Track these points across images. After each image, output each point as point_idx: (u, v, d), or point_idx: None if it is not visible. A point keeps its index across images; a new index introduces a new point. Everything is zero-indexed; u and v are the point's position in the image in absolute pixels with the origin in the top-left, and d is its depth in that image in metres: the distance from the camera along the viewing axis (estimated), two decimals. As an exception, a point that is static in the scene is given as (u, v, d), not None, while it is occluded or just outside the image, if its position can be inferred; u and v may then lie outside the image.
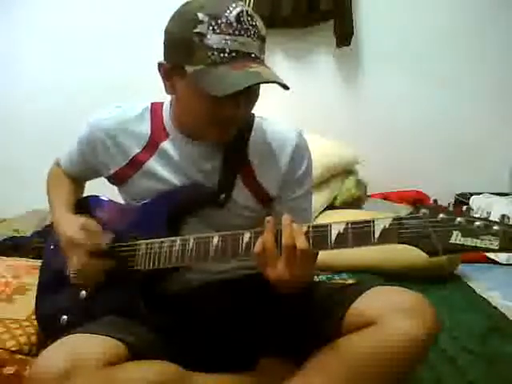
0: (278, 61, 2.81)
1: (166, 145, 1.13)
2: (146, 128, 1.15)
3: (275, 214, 1.15)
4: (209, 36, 0.94)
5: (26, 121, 2.82)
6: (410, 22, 2.83)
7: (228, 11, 0.95)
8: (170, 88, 1.06)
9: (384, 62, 2.86)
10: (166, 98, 1.14)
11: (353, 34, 2.78)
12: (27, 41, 2.84)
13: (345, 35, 2.78)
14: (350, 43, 2.80)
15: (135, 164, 1.15)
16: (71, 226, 1.14)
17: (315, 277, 1.95)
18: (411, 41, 2.84)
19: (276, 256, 0.94)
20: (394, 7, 2.83)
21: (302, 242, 0.92)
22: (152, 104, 1.18)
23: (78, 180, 1.32)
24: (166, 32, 1.02)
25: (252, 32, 0.96)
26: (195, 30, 0.95)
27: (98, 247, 1.11)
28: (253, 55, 0.97)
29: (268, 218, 0.97)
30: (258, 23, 0.98)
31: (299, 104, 2.73)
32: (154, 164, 1.14)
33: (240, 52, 0.96)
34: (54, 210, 1.25)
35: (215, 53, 0.95)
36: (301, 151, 1.15)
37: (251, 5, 2.62)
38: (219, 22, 0.94)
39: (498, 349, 1.52)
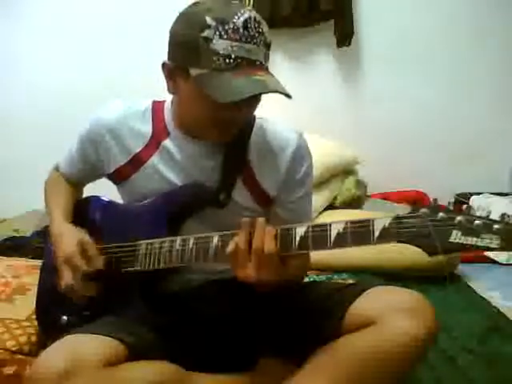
0: (278, 61, 2.80)
1: (167, 143, 1.13)
2: (147, 126, 1.15)
3: (275, 215, 1.15)
4: (215, 41, 0.94)
5: (25, 121, 2.82)
6: (409, 22, 2.83)
7: (236, 17, 0.95)
8: (173, 88, 1.06)
9: (384, 62, 2.86)
10: (167, 97, 1.14)
11: (353, 33, 2.79)
12: (27, 41, 2.84)
13: (345, 35, 2.78)
14: (350, 43, 2.80)
15: (136, 162, 1.14)
16: (69, 241, 1.11)
17: (315, 277, 1.95)
18: (411, 41, 2.84)
19: (246, 257, 0.95)
20: (393, 7, 2.83)
21: (269, 246, 0.93)
22: (154, 102, 1.18)
23: (77, 184, 1.30)
24: (172, 32, 1.02)
25: (258, 40, 0.96)
26: (202, 34, 0.95)
27: (92, 272, 1.09)
28: (258, 63, 0.97)
29: (244, 219, 0.97)
30: (264, 30, 0.98)
31: (299, 104, 2.72)
32: (154, 162, 1.13)
33: (245, 59, 0.96)
34: (52, 218, 1.21)
35: (220, 58, 0.95)
36: (301, 152, 1.15)
37: (251, 5, 2.62)
38: (226, 27, 0.94)
39: (498, 349, 1.52)
